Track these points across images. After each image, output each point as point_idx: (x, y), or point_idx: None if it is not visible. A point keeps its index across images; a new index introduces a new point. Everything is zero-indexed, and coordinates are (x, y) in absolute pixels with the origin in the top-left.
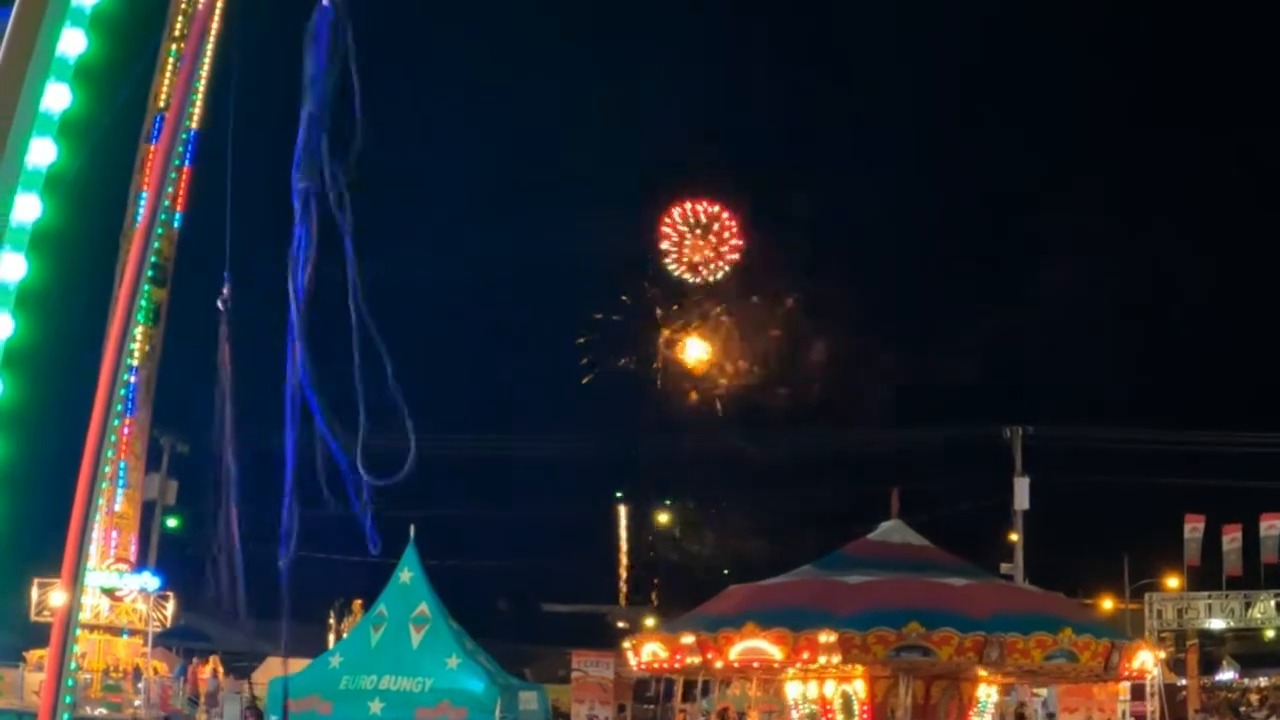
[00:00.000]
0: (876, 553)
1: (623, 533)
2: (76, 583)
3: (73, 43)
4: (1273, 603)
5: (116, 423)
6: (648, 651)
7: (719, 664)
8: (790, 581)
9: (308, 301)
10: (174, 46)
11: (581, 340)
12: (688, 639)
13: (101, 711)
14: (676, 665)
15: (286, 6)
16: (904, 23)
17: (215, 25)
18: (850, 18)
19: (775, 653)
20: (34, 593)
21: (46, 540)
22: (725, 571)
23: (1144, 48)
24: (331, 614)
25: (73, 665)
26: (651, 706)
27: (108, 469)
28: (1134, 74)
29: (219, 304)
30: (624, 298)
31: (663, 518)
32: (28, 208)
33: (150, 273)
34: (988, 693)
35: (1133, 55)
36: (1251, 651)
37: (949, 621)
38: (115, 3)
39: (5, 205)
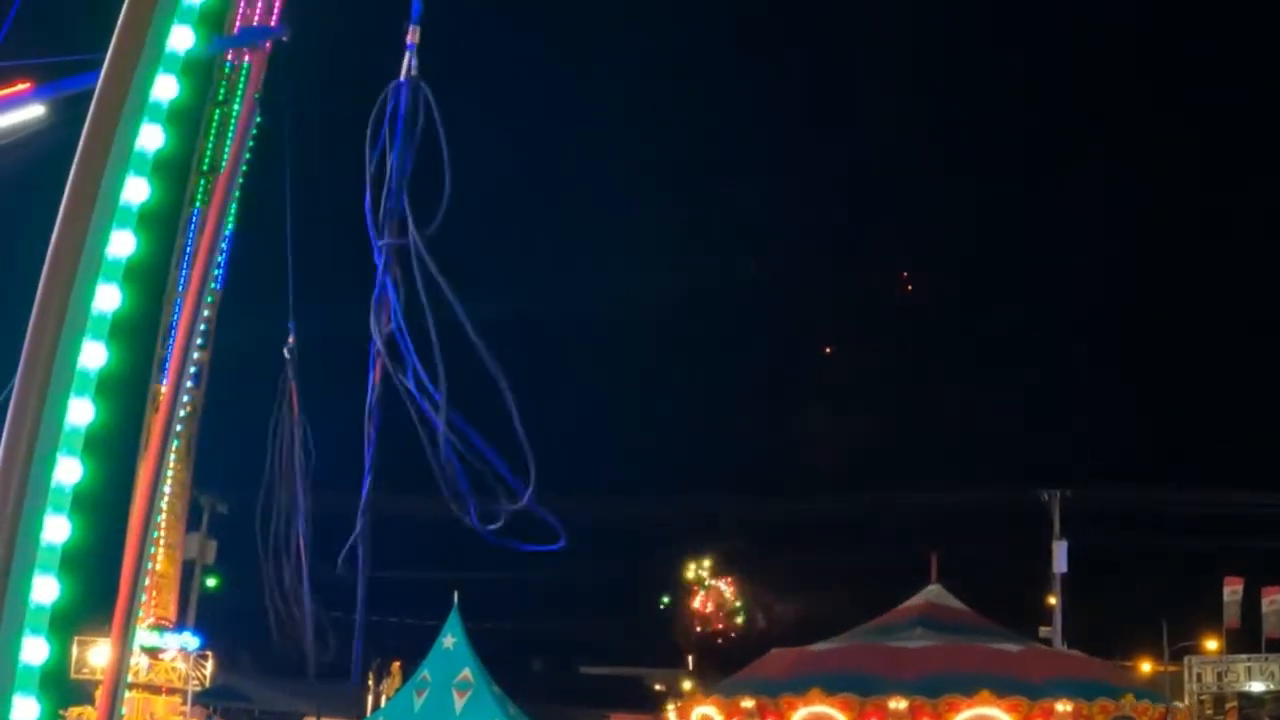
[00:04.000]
0: (956, 619)
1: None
2: (126, 642)
3: (151, 138)
4: None
5: (164, 487)
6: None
7: None
8: (944, 646)
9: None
10: (216, 110)
11: None
12: (898, 703)
13: None
14: None
15: (333, 64)
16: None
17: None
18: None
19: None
20: (74, 650)
21: (86, 598)
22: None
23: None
24: (370, 675)
25: None
26: None
27: (156, 534)
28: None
29: (285, 352)
30: None
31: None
32: (108, 298)
33: (200, 341)
34: None
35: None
36: None
37: (1145, 695)
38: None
39: (87, 297)
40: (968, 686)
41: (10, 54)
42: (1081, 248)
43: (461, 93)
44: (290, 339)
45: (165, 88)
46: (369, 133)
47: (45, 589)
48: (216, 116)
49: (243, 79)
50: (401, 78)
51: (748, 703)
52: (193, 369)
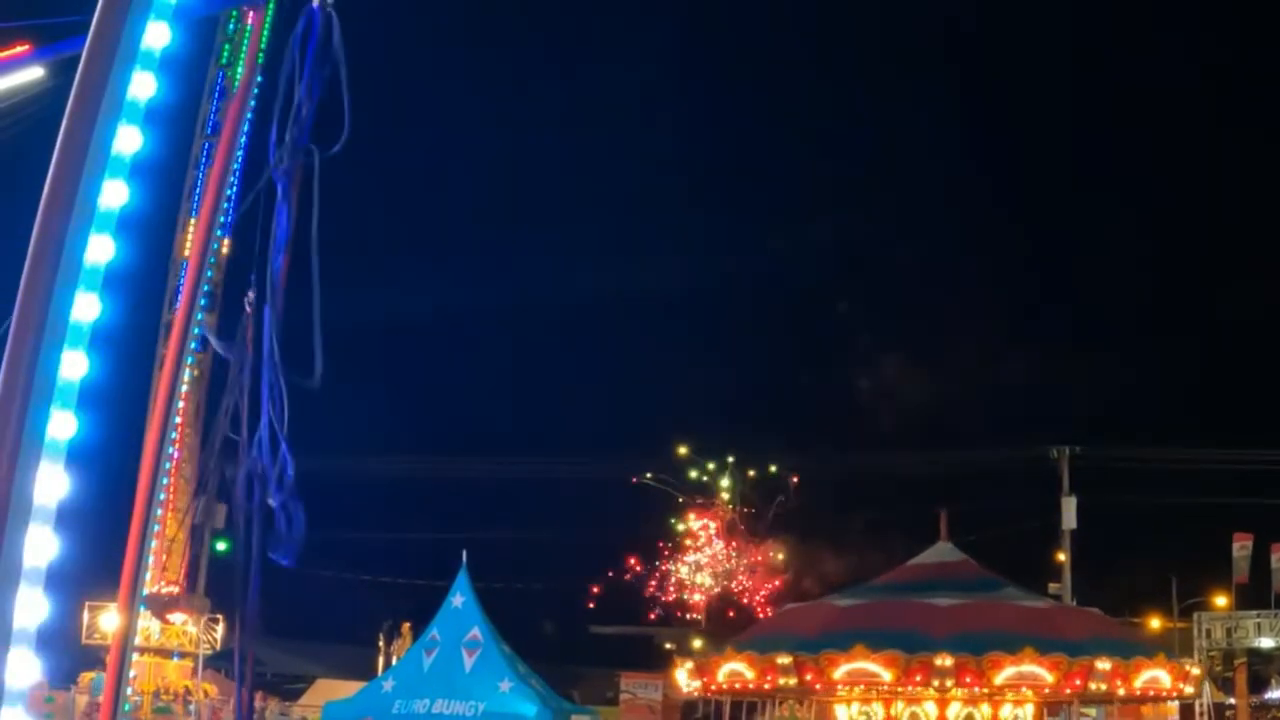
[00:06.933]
0: (973, 575)
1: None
2: (133, 607)
3: (143, 86)
4: None
5: (170, 449)
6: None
7: (1121, 691)
8: (975, 603)
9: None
10: (220, 73)
11: None
12: (944, 660)
13: None
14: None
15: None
16: None
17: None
18: None
19: (1166, 680)
20: (85, 616)
21: (97, 564)
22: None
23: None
24: (381, 636)
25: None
26: None
27: (161, 495)
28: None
29: (244, 305)
30: None
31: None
32: (103, 247)
33: (203, 301)
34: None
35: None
36: None
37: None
38: (178, 43)
39: (79, 247)
40: (1012, 644)
41: (9, 15)
42: (1087, 206)
43: (492, 72)
44: (250, 293)
45: (158, 35)
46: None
47: (41, 544)
48: (220, 79)
49: (245, 39)
50: (314, 3)
51: (784, 659)
52: (199, 331)
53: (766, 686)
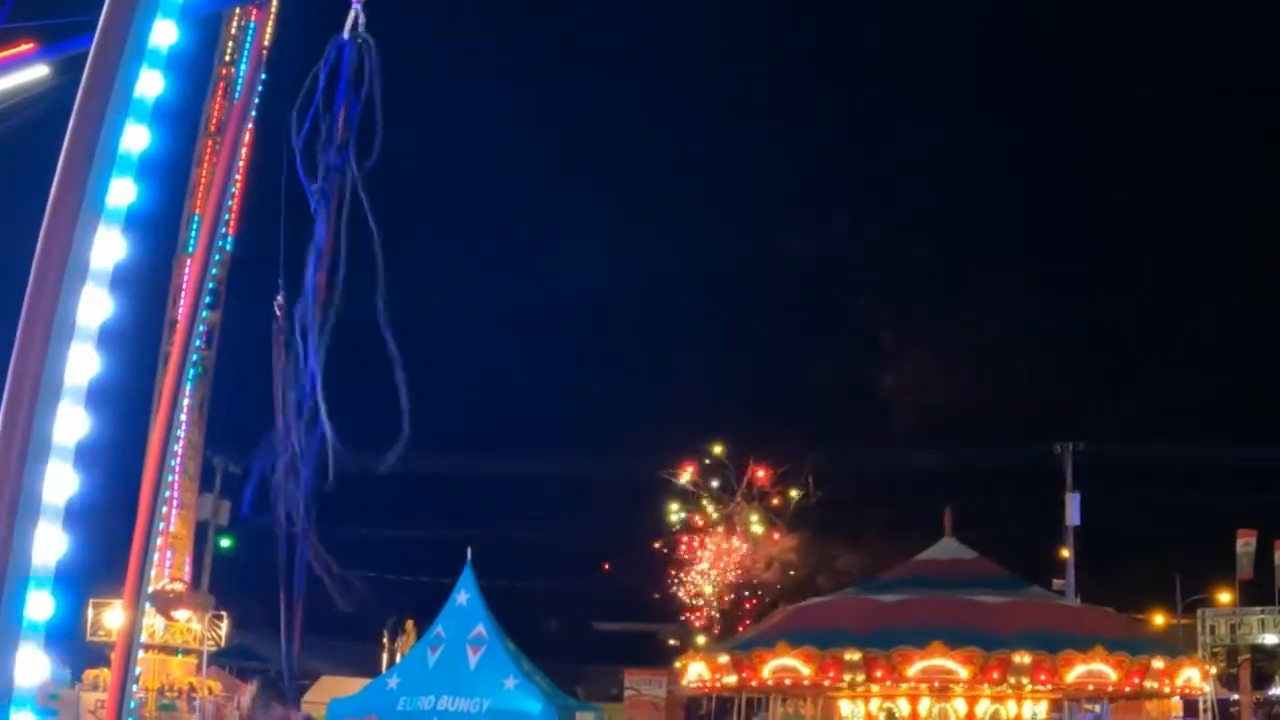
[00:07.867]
0: (957, 572)
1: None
2: (138, 604)
3: (150, 84)
4: None
5: (175, 447)
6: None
7: (1167, 689)
8: (919, 599)
9: (323, 298)
10: (224, 71)
11: None
12: (852, 655)
13: None
14: None
15: (335, 25)
16: None
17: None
18: None
19: (1198, 679)
20: (89, 613)
21: (100, 561)
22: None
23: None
24: (385, 633)
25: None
26: None
27: (166, 493)
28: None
29: (275, 309)
30: None
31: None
32: (110, 246)
33: (207, 299)
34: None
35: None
36: None
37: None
38: (183, 42)
39: (87, 245)
40: (1083, 643)
41: (14, 15)
42: (1095, 203)
43: (486, 67)
44: (279, 296)
45: (164, 33)
46: (305, 88)
47: (48, 544)
48: (224, 77)
49: (249, 37)
50: (344, 35)
51: (853, 655)
52: (203, 328)
53: (826, 683)
